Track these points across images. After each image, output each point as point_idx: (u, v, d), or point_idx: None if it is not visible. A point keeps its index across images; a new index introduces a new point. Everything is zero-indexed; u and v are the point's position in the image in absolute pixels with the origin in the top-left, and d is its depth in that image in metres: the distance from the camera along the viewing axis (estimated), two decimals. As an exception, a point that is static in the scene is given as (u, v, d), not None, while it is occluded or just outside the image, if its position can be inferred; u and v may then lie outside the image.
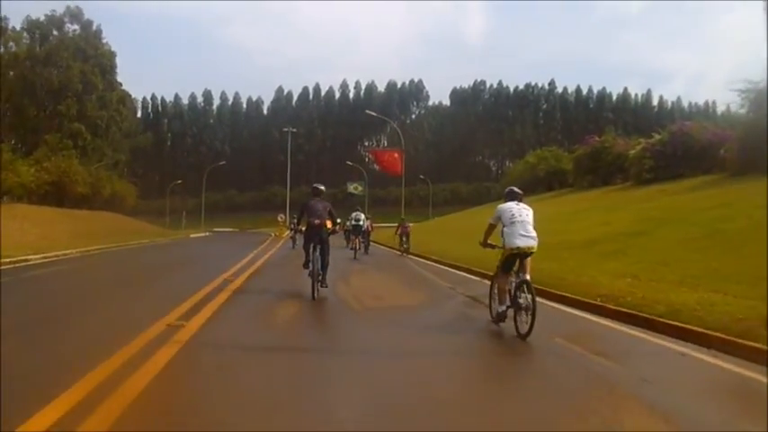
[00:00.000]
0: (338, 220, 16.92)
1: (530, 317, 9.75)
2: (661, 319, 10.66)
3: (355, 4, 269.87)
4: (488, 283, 12.64)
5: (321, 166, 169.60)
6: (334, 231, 15.83)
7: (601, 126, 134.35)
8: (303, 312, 12.88)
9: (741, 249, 16.39)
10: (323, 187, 16.42)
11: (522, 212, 10.85)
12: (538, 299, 10.16)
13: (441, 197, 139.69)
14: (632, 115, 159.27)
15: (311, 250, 14.72)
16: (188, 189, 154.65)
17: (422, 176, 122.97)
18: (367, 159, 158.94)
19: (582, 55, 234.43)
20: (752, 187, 24.57)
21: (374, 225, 39.16)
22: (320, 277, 14.59)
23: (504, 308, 10.73)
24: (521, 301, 10.16)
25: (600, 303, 12.79)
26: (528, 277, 10.39)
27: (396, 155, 45.76)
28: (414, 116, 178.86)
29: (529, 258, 10.73)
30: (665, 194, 35.24)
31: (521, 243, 10.51)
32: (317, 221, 14.84)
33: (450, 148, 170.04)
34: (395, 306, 14.65)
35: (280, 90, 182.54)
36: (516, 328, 10.15)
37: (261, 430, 5.32)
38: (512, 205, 11.05)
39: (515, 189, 11.68)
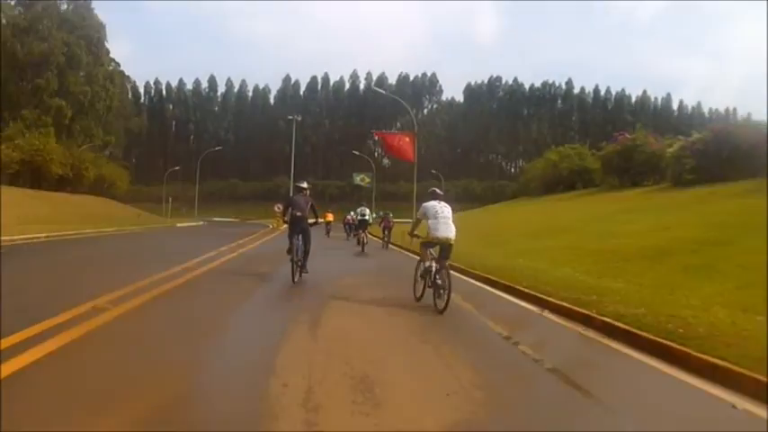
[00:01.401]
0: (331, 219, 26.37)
1: (445, 294, 11.73)
2: None
3: (368, 2, 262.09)
4: (558, 318, 11.92)
5: (328, 158, 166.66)
6: (314, 223, 17.41)
7: (619, 128, 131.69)
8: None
9: None
10: (306, 185, 17.63)
11: (443, 209, 12.96)
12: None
13: (452, 194, 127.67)
14: (652, 118, 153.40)
15: (295, 239, 16.31)
16: (189, 176, 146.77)
17: (433, 171, 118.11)
18: (376, 153, 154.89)
19: (597, 58, 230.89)
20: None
21: (393, 221, 36.98)
22: (300, 264, 16.43)
23: (428, 264, 12.70)
24: (439, 282, 12.09)
25: None
26: (447, 263, 12.46)
27: (407, 138, 39.91)
28: (426, 111, 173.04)
29: (450, 247, 12.76)
30: (716, 197, 30.51)
31: (440, 234, 12.61)
32: (299, 214, 16.56)
33: (464, 144, 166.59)
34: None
35: (287, 79, 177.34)
36: (435, 305, 12.04)
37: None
38: (434, 203, 13.07)
39: (437, 190, 13.75)
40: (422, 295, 13.07)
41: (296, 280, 15.91)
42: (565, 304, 11.98)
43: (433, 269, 12.46)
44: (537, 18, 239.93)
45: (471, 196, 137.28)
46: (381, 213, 41.54)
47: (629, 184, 57.69)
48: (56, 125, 79.59)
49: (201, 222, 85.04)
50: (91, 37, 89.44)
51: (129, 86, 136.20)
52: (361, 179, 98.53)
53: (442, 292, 11.90)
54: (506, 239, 35.35)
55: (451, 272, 12.52)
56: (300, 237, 16.40)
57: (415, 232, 14.20)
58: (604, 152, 65.37)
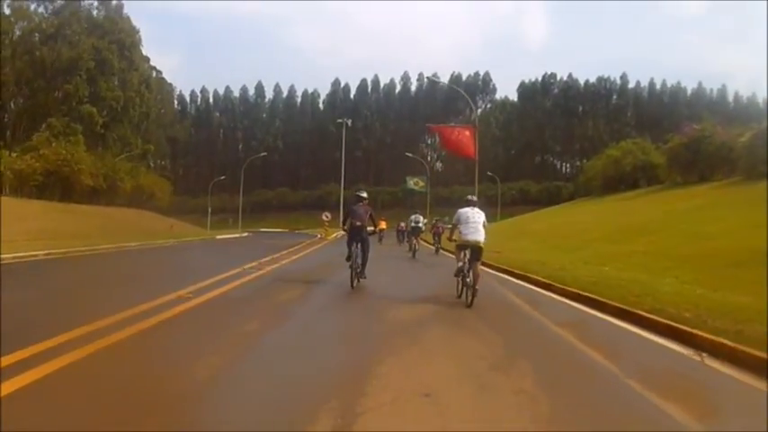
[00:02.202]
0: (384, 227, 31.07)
1: (470, 293, 13.20)
2: None
3: (414, 5, 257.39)
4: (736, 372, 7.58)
5: (380, 162, 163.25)
6: (373, 232, 17.84)
7: (675, 122, 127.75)
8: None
9: None
10: (365, 194, 17.96)
11: (475, 215, 14.07)
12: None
13: (508, 197, 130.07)
14: (708, 111, 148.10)
15: (354, 247, 16.83)
16: (237, 186, 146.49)
17: (489, 173, 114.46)
18: (429, 157, 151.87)
19: (650, 52, 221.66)
20: None
21: (444, 226, 35.50)
22: (359, 270, 16.93)
23: (461, 264, 14.02)
24: (468, 280, 13.49)
25: None
26: (478, 264, 13.56)
27: (467, 132, 36.21)
28: (480, 111, 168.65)
29: (480, 250, 13.81)
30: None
31: (470, 238, 13.78)
32: (358, 223, 17.08)
33: (518, 144, 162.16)
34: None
35: (336, 83, 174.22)
36: (466, 299, 13.52)
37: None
38: (467, 210, 14.20)
39: (471, 197, 14.93)
40: (461, 293, 14.23)
41: (354, 286, 16.43)
42: (726, 342, 8.11)
43: (466, 269, 13.74)
44: (586, 17, 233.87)
45: (527, 198, 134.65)
46: (435, 220, 41.67)
47: (695, 179, 54.78)
48: (88, 133, 76.95)
49: (246, 233, 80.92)
50: (123, 41, 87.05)
51: (172, 94, 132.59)
52: (414, 183, 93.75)
53: (468, 289, 13.42)
54: (579, 244, 31.83)
55: (538, 289, 14.67)
56: (359, 245, 16.99)
57: (453, 237, 14.95)
58: (670, 145, 61.58)
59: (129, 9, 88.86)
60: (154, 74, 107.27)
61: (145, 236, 47.78)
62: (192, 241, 50.58)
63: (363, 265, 17.19)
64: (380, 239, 47.77)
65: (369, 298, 15.00)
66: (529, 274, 19.14)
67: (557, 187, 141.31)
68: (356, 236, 17.02)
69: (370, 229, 17.38)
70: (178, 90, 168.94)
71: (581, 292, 14.14)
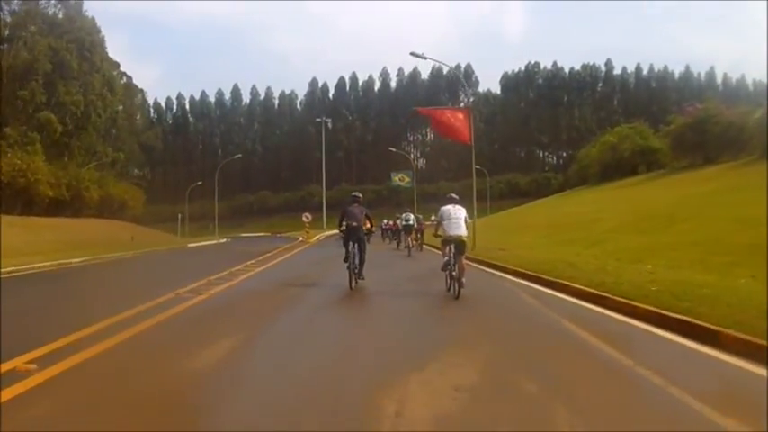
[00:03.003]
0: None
1: (457, 285, 13.91)
2: None
3: (389, 5, 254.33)
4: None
5: (362, 161, 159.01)
6: (370, 232, 18.27)
7: (664, 108, 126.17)
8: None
9: None
10: (360, 195, 18.31)
11: (456, 212, 14.71)
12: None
13: (496, 190, 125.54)
14: (697, 94, 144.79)
15: (350, 247, 16.75)
16: (219, 192, 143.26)
17: (477, 167, 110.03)
18: (412, 155, 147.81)
19: (635, 39, 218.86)
20: None
21: (424, 223, 37.59)
22: (357, 270, 16.76)
23: (447, 258, 14.63)
24: (454, 273, 14.20)
25: None
26: (462, 257, 14.23)
27: (461, 115, 31.58)
28: (462, 104, 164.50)
29: (463, 244, 14.43)
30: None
31: (452, 233, 14.44)
32: (354, 224, 16.99)
33: (503, 137, 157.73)
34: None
35: (314, 82, 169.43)
36: (453, 291, 14.14)
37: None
38: (449, 207, 14.85)
39: (453, 195, 15.59)
40: (450, 286, 14.58)
41: (353, 286, 16.31)
42: None
43: (452, 262, 14.40)
44: (567, 5, 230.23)
45: (516, 191, 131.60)
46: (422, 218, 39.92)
47: (701, 162, 52.03)
48: (48, 143, 71.29)
49: (225, 239, 77.12)
50: (83, 41, 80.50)
51: (144, 99, 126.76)
52: (399, 179, 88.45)
53: (455, 282, 14.11)
54: (597, 237, 27.99)
55: (587, 305, 12.17)
56: (356, 246, 16.94)
57: (438, 233, 15.24)
58: (673, 127, 58.22)
59: (108, 20, 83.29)
60: (124, 79, 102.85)
61: (102, 248, 42.51)
62: (156, 251, 45.35)
63: (361, 265, 17.13)
64: (368, 239, 44.82)
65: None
66: (563, 281, 14.70)
67: (546, 178, 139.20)
68: (353, 236, 17.04)
69: (366, 227, 17.56)
70: (154, 98, 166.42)
71: (669, 314, 9.21)
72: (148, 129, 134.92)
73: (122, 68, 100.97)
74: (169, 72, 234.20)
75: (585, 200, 53.97)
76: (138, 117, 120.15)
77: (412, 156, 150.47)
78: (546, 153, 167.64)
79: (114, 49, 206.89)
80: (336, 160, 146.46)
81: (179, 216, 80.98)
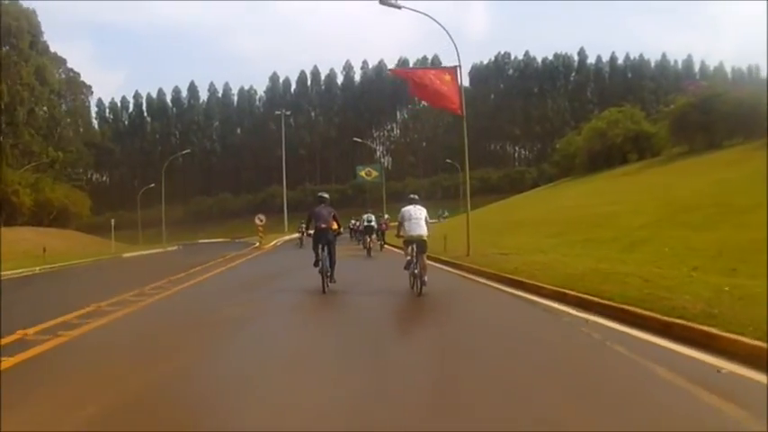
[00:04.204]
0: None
1: (420, 283, 14.31)
2: None
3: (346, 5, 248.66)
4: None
5: (326, 159, 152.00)
6: (338, 233, 17.58)
7: (641, 97, 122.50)
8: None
9: None
10: (327, 195, 17.85)
11: (416, 212, 15.23)
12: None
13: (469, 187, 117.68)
14: (674, 83, 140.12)
15: (320, 251, 16.37)
16: (176, 194, 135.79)
17: (449, 161, 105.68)
18: (378, 152, 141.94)
19: (608, 27, 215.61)
20: None
21: (389, 224, 39.13)
22: (329, 273, 16.42)
23: (409, 258, 14.92)
24: (416, 271, 14.53)
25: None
26: (424, 256, 14.73)
27: (447, 76, 23.92)
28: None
29: (424, 243, 14.87)
30: None
31: (413, 233, 14.98)
32: (323, 225, 16.66)
33: (473, 131, 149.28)
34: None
35: (275, 77, 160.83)
36: (415, 289, 14.54)
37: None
38: (410, 207, 15.37)
39: (413, 196, 16.04)
40: (413, 284, 14.89)
41: (326, 290, 15.96)
42: None
43: (414, 261, 14.74)
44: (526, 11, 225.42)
45: (488, 187, 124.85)
46: (378, 218, 40.16)
47: (704, 146, 45.93)
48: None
49: (177, 246, 71.26)
50: (8, 26, 71.93)
51: (87, 96, 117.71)
52: (366, 173, 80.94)
53: (417, 280, 14.52)
54: (635, 236, 21.94)
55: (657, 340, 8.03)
56: (326, 248, 16.47)
57: (400, 233, 15.68)
58: (674, 108, 52.00)
59: (72, 28, 75.85)
60: (65, 74, 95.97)
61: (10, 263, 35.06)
62: (68, 266, 37.61)
63: (332, 267, 16.66)
64: (354, 238, 48.23)
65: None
66: (698, 326, 7.88)
67: (519, 173, 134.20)
68: (322, 239, 16.60)
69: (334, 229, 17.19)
70: (111, 98, 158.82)
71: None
72: (98, 128, 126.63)
73: (70, 65, 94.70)
74: (132, 76, 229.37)
75: (582, 192, 46.93)
76: (86, 116, 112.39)
77: (378, 153, 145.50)
78: (518, 146, 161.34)
79: (79, 57, 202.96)
80: (299, 159, 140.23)
81: (112, 222, 70.38)
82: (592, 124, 68.78)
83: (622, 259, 16.95)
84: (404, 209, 15.49)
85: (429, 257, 24.43)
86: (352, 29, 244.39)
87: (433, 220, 22.52)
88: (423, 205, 15.55)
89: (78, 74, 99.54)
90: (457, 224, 49.41)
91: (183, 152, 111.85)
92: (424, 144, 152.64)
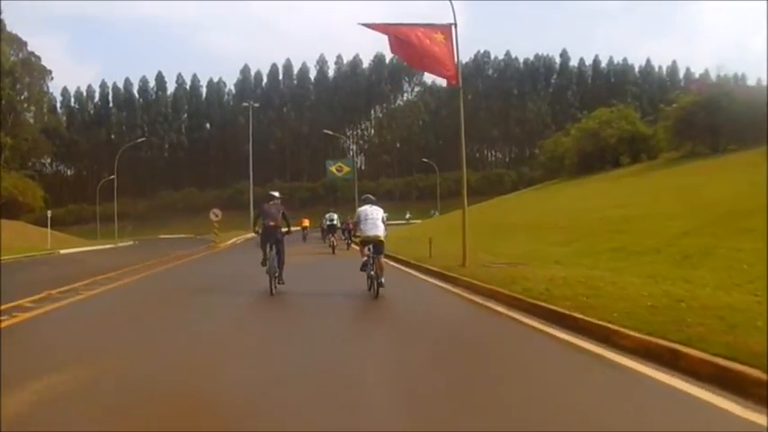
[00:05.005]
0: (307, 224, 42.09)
1: (376, 284, 13.89)
2: None
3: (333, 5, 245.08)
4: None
5: (297, 156, 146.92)
6: (288, 232, 17.06)
7: (624, 102, 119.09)
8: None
9: None
10: (277, 193, 17.19)
11: (373, 212, 14.87)
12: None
13: (444, 188, 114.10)
14: (658, 88, 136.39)
15: (268, 249, 15.69)
16: (141, 188, 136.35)
17: (425, 160, 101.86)
18: (351, 152, 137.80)
19: (593, 30, 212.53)
20: None
21: (352, 223, 32.95)
22: (277, 274, 15.67)
23: (365, 258, 14.55)
24: (372, 273, 14.16)
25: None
26: (381, 257, 14.33)
27: (440, 35, 18.30)
28: (407, 95, 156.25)
29: (380, 244, 14.51)
30: None
31: (369, 233, 14.60)
32: (271, 223, 15.95)
33: (449, 131, 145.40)
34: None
35: (246, 70, 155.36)
36: (372, 291, 14.07)
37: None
38: (366, 207, 15.10)
39: (370, 196, 15.84)
40: (370, 286, 14.41)
41: (274, 292, 15.22)
42: None
43: (370, 262, 14.34)
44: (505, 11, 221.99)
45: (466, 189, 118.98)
46: (347, 217, 41.31)
47: (706, 150, 42.43)
48: None
49: (132, 242, 68.46)
50: None
51: (46, 79, 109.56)
52: (336, 169, 74.94)
53: (374, 281, 14.10)
54: (684, 247, 16.92)
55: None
56: (274, 247, 15.77)
57: (356, 233, 15.98)
58: (676, 107, 46.92)
59: (48, 21, 71.04)
60: (32, 59, 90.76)
61: None
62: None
63: (280, 267, 15.82)
64: (304, 238, 49.25)
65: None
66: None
67: (497, 175, 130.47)
68: (270, 237, 15.83)
69: (284, 229, 16.67)
70: (76, 86, 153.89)
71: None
72: (49, 111, 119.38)
73: (31, 48, 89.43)
74: (106, 71, 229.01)
75: (580, 194, 41.37)
76: (43, 102, 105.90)
77: (351, 152, 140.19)
78: (495, 149, 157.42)
79: (54, 50, 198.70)
80: (269, 154, 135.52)
81: (48, 214, 61.88)
82: (582, 124, 63.96)
83: (687, 278, 12.49)
84: (360, 209, 15.56)
85: (409, 264, 22.79)
86: (326, 23, 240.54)
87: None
88: (380, 206, 15.37)
89: (39, 57, 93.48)
90: (438, 226, 44.98)
91: (139, 140, 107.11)
92: (398, 144, 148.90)
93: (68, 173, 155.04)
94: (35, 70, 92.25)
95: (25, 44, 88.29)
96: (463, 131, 20.37)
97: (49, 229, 55.45)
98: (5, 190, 66.81)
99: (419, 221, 78.49)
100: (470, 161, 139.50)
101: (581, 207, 31.97)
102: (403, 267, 22.12)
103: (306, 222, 52.15)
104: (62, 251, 47.49)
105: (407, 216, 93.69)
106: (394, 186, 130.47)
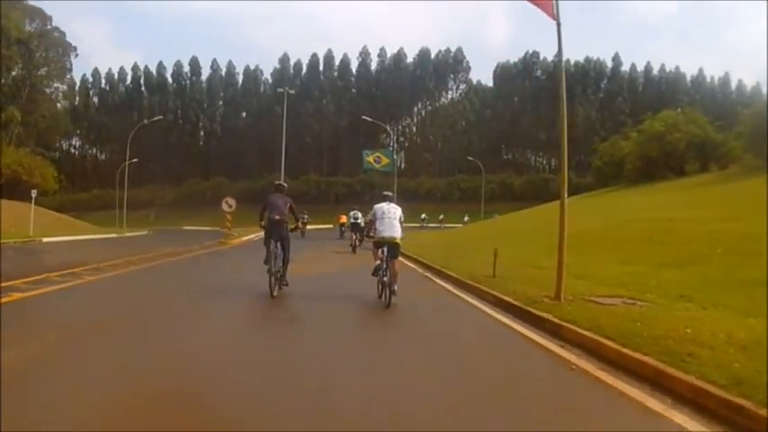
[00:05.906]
0: (306, 218, 33.72)
1: (388, 292, 12.87)
2: None
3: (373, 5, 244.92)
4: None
5: (334, 150, 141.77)
6: (296, 228, 16.34)
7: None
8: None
9: None
10: (284, 184, 16.42)
11: (390, 211, 13.87)
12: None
13: (488, 191, 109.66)
14: (710, 99, 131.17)
15: (272, 246, 14.50)
16: (170, 176, 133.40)
17: (470, 158, 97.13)
18: (391, 145, 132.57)
19: (647, 36, 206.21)
20: None
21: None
22: (280, 275, 14.68)
23: (379, 262, 13.34)
24: (385, 279, 13.08)
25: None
26: (396, 262, 13.34)
27: None
28: (451, 93, 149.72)
29: (396, 246, 13.59)
30: None
31: (386, 234, 13.58)
32: (277, 217, 14.87)
33: (495, 133, 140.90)
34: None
35: (285, 59, 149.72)
36: (383, 299, 13.08)
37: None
38: (384, 205, 14.07)
39: (388, 193, 15.04)
40: (381, 293, 13.52)
41: (275, 294, 14.09)
42: None
43: (383, 267, 13.18)
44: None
45: (509, 193, 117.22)
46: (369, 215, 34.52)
47: None
48: None
49: (147, 232, 64.89)
50: None
51: (68, 51, 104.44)
52: (374, 159, 67.30)
53: (386, 288, 13.07)
54: None
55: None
56: (279, 244, 14.64)
57: (371, 233, 14.63)
58: (753, 110, 43.09)
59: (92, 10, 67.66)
60: (55, 34, 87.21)
61: None
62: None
63: (284, 267, 14.85)
64: (342, 234, 49.95)
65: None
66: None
67: (543, 180, 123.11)
68: (275, 233, 14.67)
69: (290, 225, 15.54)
70: (108, 67, 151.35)
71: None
72: (68, 91, 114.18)
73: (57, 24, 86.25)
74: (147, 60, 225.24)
75: (658, 202, 34.53)
76: (64, 78, 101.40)
77: (392, 148, 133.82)
78: (540, 154, 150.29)
79: (97, 37, 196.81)
80: (305, 147, 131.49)
81: (33, 194, 55.26)
82: (646, 126, 57.98)
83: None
84: (376, 206, 14.27)
85: (463, 286, 17.46)
86: (369, 18, 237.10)
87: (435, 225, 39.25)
88: (401, 207, 14.29)
89: (64, 33, 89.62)
90: (477, 232, 39.95)
91: (155, 118, 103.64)
92: (439, 145, 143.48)
93: (100, 156, 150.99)
94: (59, 45, 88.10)
95: (49, 18, 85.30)
96: (564, 107, 14.52)
97: (32, 214, 49.77)
98: (7, 168, 61.72)
99: (453, 225, 74.29)
100: (511, 164, 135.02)
101: (676, 217, 25.40)
102: (452, 288, 16.94)
103: (344, 219, 51.80)
104: (45, 239, 42.53)
105: (423, 216, 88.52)
106: (435, 186, 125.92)
